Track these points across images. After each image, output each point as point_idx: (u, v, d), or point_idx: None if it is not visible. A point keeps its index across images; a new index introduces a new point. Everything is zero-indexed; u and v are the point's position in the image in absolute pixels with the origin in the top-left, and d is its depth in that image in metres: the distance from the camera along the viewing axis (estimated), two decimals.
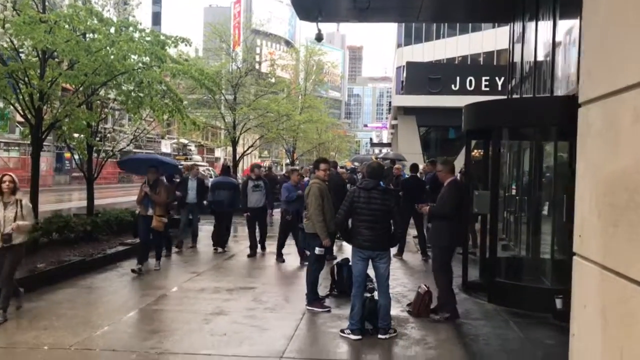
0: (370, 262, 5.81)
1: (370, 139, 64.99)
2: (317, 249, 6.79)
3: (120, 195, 25.88)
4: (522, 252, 7.49)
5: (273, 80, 26.22)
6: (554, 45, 8.49)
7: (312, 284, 6.96)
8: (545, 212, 7.28)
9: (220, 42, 24.26)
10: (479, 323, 6.34)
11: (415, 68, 27.22)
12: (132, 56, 9.95)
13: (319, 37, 14.07)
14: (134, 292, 7.97)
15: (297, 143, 32.86)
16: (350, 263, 7.63)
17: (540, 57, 9.86)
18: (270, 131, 21.89)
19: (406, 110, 25.69)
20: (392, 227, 5.80)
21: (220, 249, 11.32)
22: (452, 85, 25.35)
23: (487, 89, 25.15)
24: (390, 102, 30.51)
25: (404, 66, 42.02)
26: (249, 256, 10.68)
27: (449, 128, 27.69)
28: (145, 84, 10.04)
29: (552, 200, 7.08)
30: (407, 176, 12.64)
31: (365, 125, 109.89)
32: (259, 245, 11.08)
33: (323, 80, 34.95)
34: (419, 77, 25.72)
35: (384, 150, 55.79)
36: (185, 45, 10.80)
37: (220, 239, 11.50)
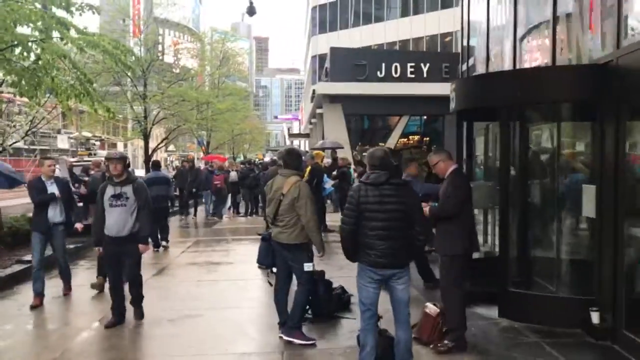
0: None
1: (289, 129, 63.41)
2: (306, 265, 5.21)
3: (11, 197, 22.49)
4: (540, 254, 6.29)
5: (177, 70, 24.23)
6: None
7: (302, 309, 5.40)
8: (567, 207, 6.13)
9: (124, 25, 21.68)
10: (511, 352, 5.07)
11: (340, 54, 25.96)
12: (26, 25, 7.82)
13: (251, 11, 12.36)
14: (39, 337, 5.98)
15: (213, 135, 30.68)
16: (324, 277, 6.21)
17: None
18: (189, 121, 19.69)
19: (332, 98, 24.36)
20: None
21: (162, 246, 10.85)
22: (378, 72, 24.40)
23: (412, 75, 24.47)
24: (313, 92, 29.16)
25: (319, 55, 41.08)
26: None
27: (376, 117, 26.84)
28: (45, 61, 7.87)
29: (574, 194, 5.96)
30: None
31: (276, 117, 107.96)
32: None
33: (230, 70, 32.94)
34: (344, 64, 24.50)
35: (298, 141, 54.55)
36: (93, 13, 8.76)
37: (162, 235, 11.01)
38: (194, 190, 16.47)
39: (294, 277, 5.45)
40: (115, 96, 19.78)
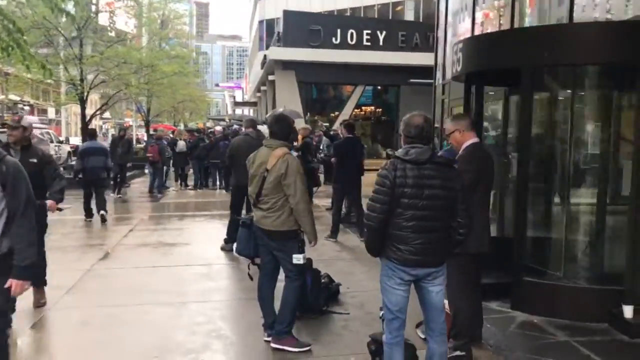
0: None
1: (234, 98, 61.09)
2: (295, 256, 4.21)
3: None
4: (559, 239, 5.56)
5: (113, 34, 22.26)
6: None
7: (292, 310, 4.40)
8: (585, 185, 5.41)
9: None
10: (544, 357, 4.33)
11: (293, 18, 24.61)
12: None
13: None
14: None
15: (154, 101, 28.73)
16: (311, 265, 5.27)
17: None
18: (130, 85, 17.98)
19: (285, 65, 23.16)
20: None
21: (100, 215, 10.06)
22: (333, 39, 23.34)
23: (369, 43, 23.58)
24: (264, 58, 27.86)
25: (266, 20, 39.28)
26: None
27: (329, 85, 25.85)
28: None
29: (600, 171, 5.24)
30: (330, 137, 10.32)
31: (217, 85, 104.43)
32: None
33: (170, 34, 30.86)
34: (298, 28, 23.26)
35: (241, 110, 52.66)
36: None
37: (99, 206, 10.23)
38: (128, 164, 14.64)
39: (282, 270, 4.48)
40: (45, 58, 17.79)
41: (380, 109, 27.47)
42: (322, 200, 12.45)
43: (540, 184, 5.52)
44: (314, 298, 5.20)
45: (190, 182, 16.38)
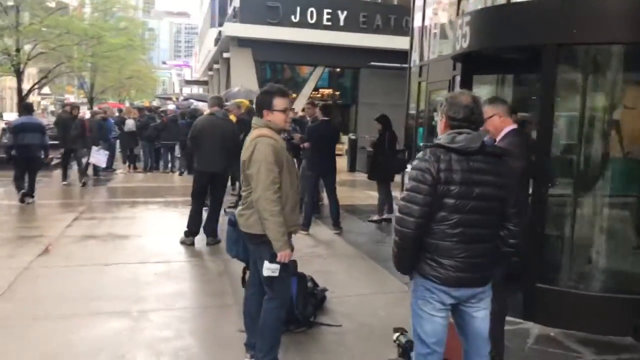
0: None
1: (182, 76, 58.66)
2: (266, 264, 3.31)
3: None
4: (574, 241, 4.97)
5: (53, 4, 20.51)
6: None
7: (272, 335, 3.52)
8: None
9: None
10: None
11: None
12: None
13: None
14: None
15: (98, 77, 26.90)
16: (296, 268, 4.50)
17: None
18: (73, 58, 16.43)
19: (241, 42, 21.94)
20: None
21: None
22: (293, 17, 22.30)
23: (329, 23, 22.71)
24: (219, 34, 26.56)
25: None
26: None
27: (287, 65, 24.83)
28: None
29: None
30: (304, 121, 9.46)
31: (164, 63, 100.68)
32: None
33: (112, 9, 28.92)
34: (255, 4, 22.02)
35: (190, 89, 50.65)
36: None
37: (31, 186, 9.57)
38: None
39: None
40: None
41: (338, 92, 26.72)
42: None
43: (558, 179, 4.90)
44: (301, 307, 4.44)
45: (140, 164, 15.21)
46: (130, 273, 5.80)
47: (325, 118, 8.02)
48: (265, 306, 3.51)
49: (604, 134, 4.75)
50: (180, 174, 14.18)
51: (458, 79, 7.97)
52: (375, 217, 8.69)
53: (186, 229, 7.02)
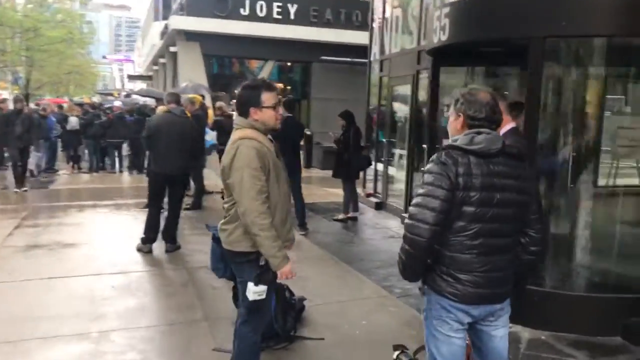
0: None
1: (122, 71, 56.57)
2: (251, 287, 2.90)
3: None
4: (561, 240, 4.82)
5: None
6: None
7: (252, 358, 3.18)
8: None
9: None
10: None
11: None
12: None
13: None
14: None
15: (35, 72, 25.40)
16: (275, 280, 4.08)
17: None
18: (6, 52, 15.32)
19: (189, 35, 21.16)
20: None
21: None
22: (242, 10, 21.69)
23: (279, 16, 22.25)
24: (165, 27, 25.61)
25: None
26: None
27: (237, 60, 24.22)
28: None
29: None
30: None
31: (104, 57, 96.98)
32: None
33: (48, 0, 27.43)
34: None
35: (133, 84, 48.82)
36: None
37: None
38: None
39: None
40: None
41: (289, 87, 26.34)
42: None
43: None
44: (282, 322, 4.10)
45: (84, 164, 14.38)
46: (83, 287, 5.28)
47: (289, 114, 7.66)
48: (240, 331, 3.13)
49: (591, 130, 4.63)
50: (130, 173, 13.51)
51: (425, 73, 7.82)
52: (341, 216, 8.42)
53: (143, 235, 6.54)
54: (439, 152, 2.33)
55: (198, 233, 7.52)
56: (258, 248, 2.86)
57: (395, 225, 8.25)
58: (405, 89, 8.71)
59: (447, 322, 2.34)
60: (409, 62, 8.34)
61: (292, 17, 22.47)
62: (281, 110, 8.22)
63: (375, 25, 10.04)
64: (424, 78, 8.00)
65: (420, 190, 2.27)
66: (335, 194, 9.50)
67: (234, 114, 9.44)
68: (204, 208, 9.27)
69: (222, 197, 3.18)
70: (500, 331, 2.44)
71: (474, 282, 2.28)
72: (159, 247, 6.56)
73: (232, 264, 3.09)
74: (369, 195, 9.89)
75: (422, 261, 2.35)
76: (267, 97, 2.96)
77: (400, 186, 9.28)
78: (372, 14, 10.22)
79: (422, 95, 8.07)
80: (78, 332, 4.20)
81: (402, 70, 8.64)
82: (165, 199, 6.67)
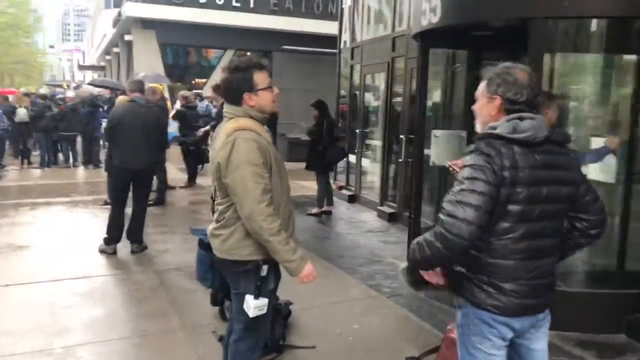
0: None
1: (71, 61, 54.27)
2: (250, 301, 2.56)
3: None
4: None
5: None
6: None
7: None
8: None
9: None
10: None
11: None
12: None
13: None
14: None
15: None
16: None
17: None
18: None
19: (144, 23, 20.30)
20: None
21: None
22: None
23: (238, 4, 21.63)
24: (118, 14, 24.60)
25: None
26: None
27: (196, 48, 23.46)
28: None
29: None
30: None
31: (52, 47, 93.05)
32: None
33: None
34: None
35: (83, 74, 46.83)
36: None
37: None
38: None
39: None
40: None
41: None
42: (209, 179, 10.73)
43: None
44: (269, 330, 3.73)
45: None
46: (42, 295, 4.77)
47: None
48: (236, 349, 2.76)
49: (590, 117, 4.43)
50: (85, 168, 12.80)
51: (401, 60, 7.55)
52: (315, 210, 8.07)
53: (105, 235, 6.03)
54: (477, 141, 2.01)
55: (164, 231, 7.07)
56: (271, 254, 2.50)
57: (370, 219, 7.98)
58: (379, 77, 8.42)
59: (489, 339, 2.04)
60: (383, 49, 8.05)
61: (251, 5, 21.90)
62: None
63: (346, 11, 9.69)
64: (400, 66, 7.74)
65: (459, 186, 1.94)
66: (306, 187, 9.15)
67: (218, 103, 8.86)
68: (167, 204, 8.78)
69: (212, 198, 2.77)
70: (540, 344, 2.16)
71: (519, 292, 1.99)
72: (123, 247, 6.07)
73: (226, 274, 2.70)
74: (340, 187, 9.59)
75: (451, 262, 2.05)
76: (260, 78, 2.58)
77: (372, 178, 9.02)
78: (342, 0, 9.85)
79: (399, 82, 7.80)
80: (39, 349, 3.73)
81: (376, 57, 8.34)
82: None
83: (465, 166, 1.97)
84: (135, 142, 5.79)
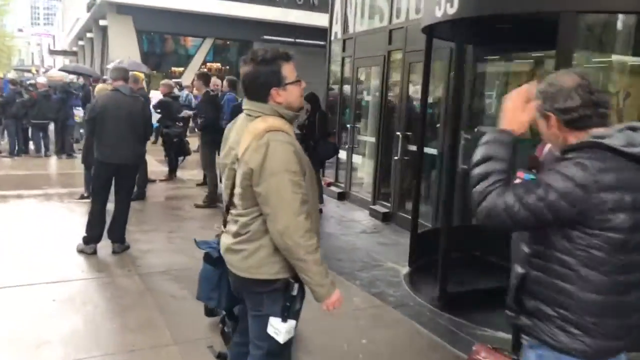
0: None
1: (40, 46, 52.60)
2: (278, 324, 2.22)
3: None
4: None
5: None
6: None
7: None
8: None
9: None
10: None
11: None
12: None
13: None
14: None
15: None
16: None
17: None
18: None
19: (120, 8, 19.59)
20: None
21: None
22: None
23: None
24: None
25: None
26: None
27: (174, 35, 22.80)
28: None
29: None
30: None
31: (21, 30, 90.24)
32: None
33: None
34: None
35: (53, 59, 45.35)
36: None
37: None
38: None
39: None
40: None
41: (227, 67, 25.18)
42: (189, 172, 10.31)
43: None
44: None
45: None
46: (15, 303, 4.34)
47: (232, 93, 6.92)
48: None
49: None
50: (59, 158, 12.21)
51: (399, 53, 7.25)
52: None
53: (85, 233, 5.59)
54: (578, 150, 1.70)
55: (147, 229, 6.64)
56: (299, 273, 2.18)
57: (363, 218, 7.68)
58: (374, 71, 8.09)
59: None
60: (379, 42, 7.72)
61: None
62: (225, 87, 7.43)
63: (337, 1, 9.32)
64: (397, 59, 7.43)
65: (539, 191, 1.64)
66: None
67: (200, 93, 8.34)
68: (148, 198, 8.33)
69: (227, 207, 2.39)
70: None
71: (607, 334, 1.70)
72: (104, 247, 5.64)
73: (247, 295, 2.35)
74: (329, 184, 9.26)
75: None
76: (288, 70, 2.24)
77: (363, 175, 8.72)
78: None
79: (395, 77, 7.49)
80: None
81: (371, 50, 8.01)
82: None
83: (549, 169, 1.67)
84: (120, 134, 5.37)
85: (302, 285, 2.30)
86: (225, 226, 2.42)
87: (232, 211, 2.33)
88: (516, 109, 1.78)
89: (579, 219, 1.63)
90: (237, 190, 2.24)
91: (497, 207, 1.68)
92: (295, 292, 2.25)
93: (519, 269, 1.84)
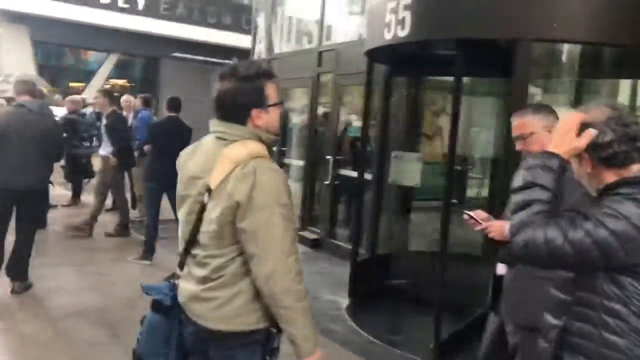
0: None
1: None
2: None
3: None
4: None
5: None
6: None
7: None
8: None
9: None
10: None
11: None
12: None
13: None
14: None
15: None
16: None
17: None
18: None
19: (15, 17, 18.01)
20: None
21: None
22: None
23: (126, 5, 20.13)
24: None
25: None
26: None
27: (75, 48, 21.37)
28: None
29: None
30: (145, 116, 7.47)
31: None
32: None
33: None
34: None
35: None
36: None
37: None
38: None
39: None
40: None
41: (133, 84, 24.03)
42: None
43: None
44: None
45: None
46: None
47: (172, 114, 6.41)
48: None
49: None
50: None
51: (329, 75, 7.09)
52: None
53: None
54: (624, 186, 1.51)
55: (52, 263, 5.90)
56: (284, 326, 1.83)
57: None
58: (301, 93, 7.87)
59: None
60: (308, 63, 7.52)
61: (140, 7, 20.49)
62: (165, 108, 6.91)
63: (261, 21, 9.06)
64: (327, 81, 7.26)
65: (588, 226, 1.44)
66: None
67: (107, 111, 7.61)
68: (49, 226, 7.49)
69: (185, 248, 1.98)
70: None
71: None
72: (1, 286, 4.88)
73: (214, 350, 1.93)
74: None
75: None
76: (272, 90, 1.92)
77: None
78: (256, 11, 9.22)
79: (324, 99, 7.31)
80: None
81: (298, 71, 7.79)
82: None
83: (603, 206, 1.48)
84: (24, 157, 4.68)
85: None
86: (182, 269, 2.03)
87: (198, 252, 1.94)
88: (570, 132, 1.57)
89: (630, 262, 1.45)
90: (210, 227, 1.85)
91: (536, 240, 1.48)
92: (276, 344, 1.91)
93: (551, 320, 1.62)
